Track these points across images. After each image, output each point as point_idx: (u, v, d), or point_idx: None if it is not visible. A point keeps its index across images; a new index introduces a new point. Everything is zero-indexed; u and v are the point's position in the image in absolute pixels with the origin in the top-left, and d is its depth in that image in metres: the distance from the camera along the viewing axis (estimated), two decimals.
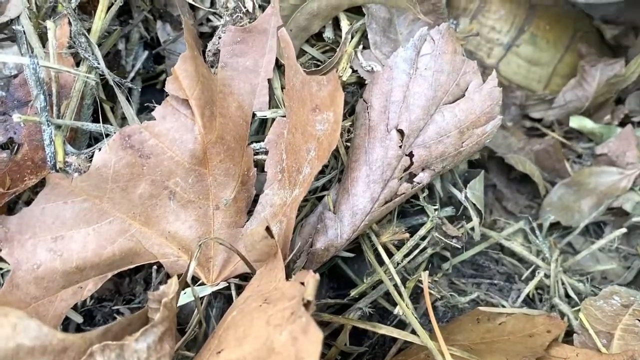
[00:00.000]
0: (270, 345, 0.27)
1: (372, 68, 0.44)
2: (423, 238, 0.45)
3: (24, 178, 0.38)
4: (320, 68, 0.44)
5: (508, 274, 0.54)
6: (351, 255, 0.44)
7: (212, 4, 0.49)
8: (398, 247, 0.44)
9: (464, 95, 0.41)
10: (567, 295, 0.52)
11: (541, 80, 0.62)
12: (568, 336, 0.47)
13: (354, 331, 0.44)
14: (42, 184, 0.39)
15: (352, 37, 0.46)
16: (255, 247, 0.38)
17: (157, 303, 0.31)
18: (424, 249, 0.45)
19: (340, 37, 0.48)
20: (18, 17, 0.40)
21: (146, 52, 0.48)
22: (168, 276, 0.42)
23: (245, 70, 0.43)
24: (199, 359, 0.34)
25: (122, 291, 0.46)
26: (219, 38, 0.42)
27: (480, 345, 0.40)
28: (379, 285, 0.43)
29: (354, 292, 0.43)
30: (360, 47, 0.46)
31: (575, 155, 0.64)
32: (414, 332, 0.39)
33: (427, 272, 0.42)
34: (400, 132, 0.41)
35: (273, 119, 0.44)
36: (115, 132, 0.40)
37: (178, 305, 0.38)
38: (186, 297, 0.40)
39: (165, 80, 0.50)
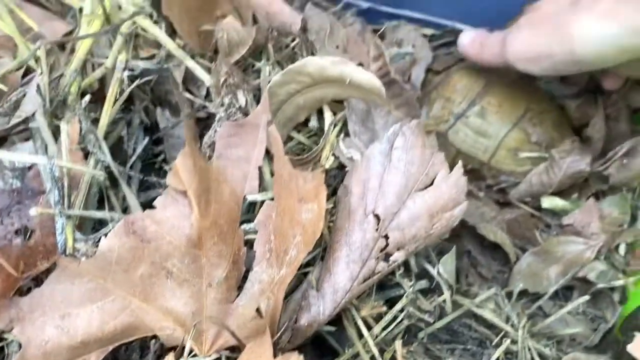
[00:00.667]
0: None
1: (352, 156, 0.49)
2: (401, 310, 0.49)
3: (37, 263, 0.42)
4: (306, 156, 0.49)
5: (480, 340, 0.57)
6: (333, 328, 0.47)
7: (208, 93, 0.55)
8: (377, 320, 0.48)
9: (432, 184, 0.46)
10: None
11: (487, 151, 0.67)
12: None
13: None
14: (52, 268, 0.43)
15: (334, 127, 0.51)
16: (245, 326, 0.42)
17: None
18: (401, 320, 0.49)
19: (324, 123, 0.53)
20: (34, 114, 0.45)
21: (147, 139, 0.53)
22: (163, 345, 0.46)
23: (238, 160, 0.48)
24: None
25: (119, 358, 0.49)
26: (215, 131, 0.47)
27: None
28: (359, 357, 0.47)
29: None
30: (342, 135, 0.51)
31: (544, 224, 0.69)
32: None
33: (400, 341, 0.46)
34: (377, 217, 0.45)
35: (263, 201, 0.48)
36: (118, 218, 0.44)
37: None
38: None
39: (163, 159, 0.56)
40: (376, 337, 0.47)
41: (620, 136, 0.67)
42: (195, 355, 0.45)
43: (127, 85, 0.49)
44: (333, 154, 0.50)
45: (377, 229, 0.45)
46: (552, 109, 0.69)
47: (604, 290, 0.64)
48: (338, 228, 0.46)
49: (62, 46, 0.55)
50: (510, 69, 0.61)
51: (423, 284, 0.52)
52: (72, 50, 0.52)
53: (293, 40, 0.58)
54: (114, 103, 0.48)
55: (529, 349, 0.56)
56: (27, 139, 0.50)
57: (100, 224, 0.48)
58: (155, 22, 0.56)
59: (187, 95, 0.53)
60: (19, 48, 0.56)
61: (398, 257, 0.46)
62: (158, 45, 0.52)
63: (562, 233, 0.66)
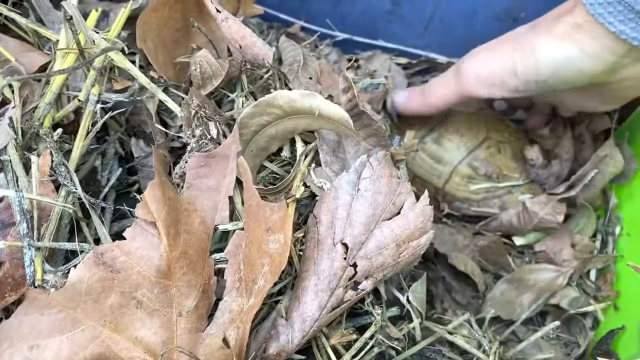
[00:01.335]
0: None
1: (322, 185, 0.50)
2: (370, 337, 0.50)
3: (5, 295, 0.42)
4: (277, 186, 0.50)
5: None
6: (303, 357, 0.48)
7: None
8: (346, 348, 0.49)
9: (399, 213, 0.47)
10: None
11: (441, 177, 0.69)
12: None
13: None
14: (21, 299, 0.43)
15: (305, 157, 0.52)
16: (213, 356, 0.42)
17: None
18: (371, 348, 0.50)
19: (296, 153, 0.54)
20: (5, 147, 0.45)
21: (120, 169, 0.53)
22: None
23: (208, 190, 0.48)
24: None
25: None
26: (186, 162, 0.48)
27: None
28: None
29: None
30: (313, 165, 0.52)
31: (517, 250, 0.70)
32: None
33: None
34: (345, 246, 0.46)
35: (234, 231, 0.49)
36: (89, 249, 0.45)
37: None
38: None
39: (138, 189, 0.56)
40: None
41: (584, 159, 0.69)
42: None
43: (100, 117, 0.50)
44: (304, 184, 0.51)
45: (345, 258, 0.46)
46: (514, 138, 0.71)
47: (576, 315, 0.65)
48: (307, 257, 0.47)
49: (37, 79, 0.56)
50: (468, 101, 0.63)
51: (394, 311, 0.52)
52: (47, 82, 0.53)
53: (267, 71, 0.59)
54: (87, 135, 0.49)
55: None
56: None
57: (72, 254, 0.48)
58: (132, 54, 0.57)
59: (162, 126, 0.54)
60: None
61: (366, 285, 0.47)
62: (133, 77, 0.52)
63: (535, 259, 0.67)
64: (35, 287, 0.43)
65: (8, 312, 0.45)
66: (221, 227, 0.48)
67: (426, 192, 0.47)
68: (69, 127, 0.52)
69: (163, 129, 0.53)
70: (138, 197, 0.52)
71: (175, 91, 0.55)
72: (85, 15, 0.54)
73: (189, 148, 0.49)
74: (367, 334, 0.49)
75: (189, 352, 0.42)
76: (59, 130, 0.48)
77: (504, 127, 0.71)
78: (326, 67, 0.63)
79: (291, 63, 0.59)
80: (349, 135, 0.51)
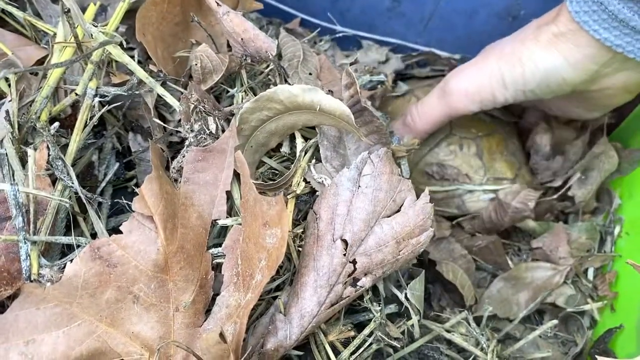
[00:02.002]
0: None
1: (323, 181, 0.49)
2: (369, 335, 0.50)
3: (0, 289, 0.42)
4: (277, 182, 0.49)
5: None
6: (300, 353, 0.47)
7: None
8: (345, 345, 0.48)
9: (399, 210, 0.47)
10: None
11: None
12: None
13: None
14: (16, 294, 0.42)
15: (305, 153, 0.52)
16: (209, 351, 0.42)
17: None
18: (370, 345, 0.49)
19: (295, 149, 0.53)
20: (1, 141, 0.45)
21: (117, 164, 0.53)
22: None
23: (205, 184, 0.48)
24: None
25: None
26: (183, 157, 0.48)
27: None
28: None
29: None
30: (313, 161, 0.52)
31: (515, 248, 0.70)
32: None
33: None
34: (345, 242, 0.46)
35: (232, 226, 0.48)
36: (85, 243, 0.44)
37: None
38: None
39: (135, 184, 0.56)
40: None
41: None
42: None
43: (97, 111, 0.50)
44: (304, 179, 0.50)
45: (344, 254, 0.46)
46: (483, 133, 0.71)
47: (574, 314, 0.65)
48: (306, 253, 0.47)
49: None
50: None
51: (392, 308, 0.52)
52: (45, 76, 0.53)
53: (267, 67, 0.59)
54: (84, 129, 0.49)
55: None
56: None
57: (68, 248, 0.48)
58: (130, 49, 0.56)
59: (160, 120, 0.53)
60: None
61: (365, 282, 0.46)
62: (131, 71, 0.52)
63: (532, 255, 0.67)
64: (31, 282, 0.42)
65: (3, 306, 0.44)
66: (220, 222, 0.48)
67: (427, 190, 0.47)
68: (66, 121, 0.52)
69: (161, 123, 0.53)
70: (137, 190, 0.52)
71: (173, 85, 0.55)
72: (84, 9, 0.54)
73: (187, 142, 0.49)
74: (366, 331, 0.48)
75: (186, 347, 0.42)
76: (56, 124, 0.47)
77: (472, 122, 0.71)
78: (326, 63, 0.62)
79: (291, 58, 0.59)
80: (350, 131, 0.51)
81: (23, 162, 0.45)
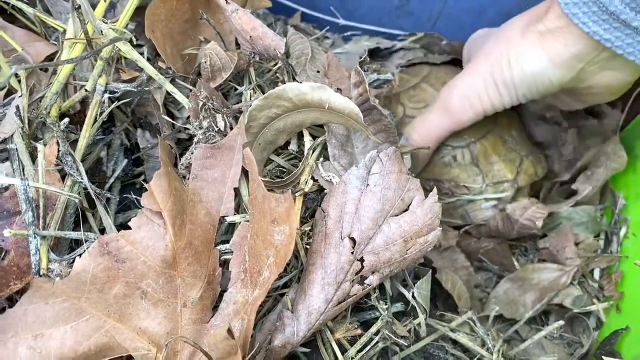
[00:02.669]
0: None
1: (331, 179, 0.49)
2: (376, 333, 0.50)
3: (10, 283, 0.42)
4: (285, 179, 0.50)
5: None
6: (307, 350, 0.48)
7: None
8: (351, 342, 0.48)
9: (408, 209, 0.47)
10: None
11: None
12: None
13: None
14: (25, 288, 0.43)
15: (313, 151, 0.52)
16: (217, 347, 0.42)
17: None
18: (376, 343, 0.49)
19: (303, 147, 0.54)
20: (12, 136, 0.45)
21: (126, 160, 0.53)
22: None
23: (213, 181, 0.48)
24: None
25: None
26: (191, 153, 0.48)
27: None
28: None
29: None
30: (321, 159, 0.52)
31: (522, 249, 0.70)
32: None
33: None
34: (353, 240, 0.46)
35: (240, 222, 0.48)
36: (94, 238, 0.45)
37: None
38: None
39: (144, 179, 0.56)
40: (351, 358, 0.47)
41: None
42: None
43: (107, 107, 0.50)
44: (312, 177, 0.50)
45: (352, 252, 0.46)
46: (476, 138, 0.70)
47: (579, 315, 0.65)
48: (314, 250, 0.47)
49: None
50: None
51: (399, 306, 0.52)
52: (54, 72, 0.53)
53: (275, 65, 0.59)
54: (93, 125, 0.49)
55: None
56: (4, 160, 0.50)
57: (77, 244, 0.48)
58: (139, 46, 0.56)
59: (168, 117, 0.53)
60: (1, 69, 0.56)
61: (372, 280, 0.46)
62: (140, 67, 0.52)
63: (539, 255, 0.67)
64: (40, 276, 0.43)
65: (11, 300, 0.45)
66: (228, 219, 0.48)
67: (435, 189, 0.47)
68: (75, 117, 0.52)
69: (170, 120, 0.53)
70: (145, 186, 0.52)
71: (182, 83, 0.55)
72: (93, 6, 0.54)
73: (195, 139, 0.49)
74: (373, 329, 0.49)
75: (193, 343, 0.42)
76: (66, 119, 0.47)
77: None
78: (333, 61, 0.62)
79: (299, 56, 0.59)
80: (358, 130, 0.51)
81: (32, 157, 0.45)
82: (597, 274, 0.66)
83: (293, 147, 0.54)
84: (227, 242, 0.48)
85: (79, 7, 0.47)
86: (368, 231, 0.46)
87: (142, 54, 0.52)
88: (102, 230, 0.49)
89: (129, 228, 0.44)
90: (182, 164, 0.48)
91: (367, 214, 0.46)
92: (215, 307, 0.47)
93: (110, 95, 0.50)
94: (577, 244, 0.66)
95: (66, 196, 0.44)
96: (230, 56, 0.54)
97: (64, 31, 0.56)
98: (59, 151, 0.45)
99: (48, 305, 0.43)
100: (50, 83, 0.51)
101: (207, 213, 0.47)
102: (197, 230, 0.46)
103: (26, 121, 0.46)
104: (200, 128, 0.49)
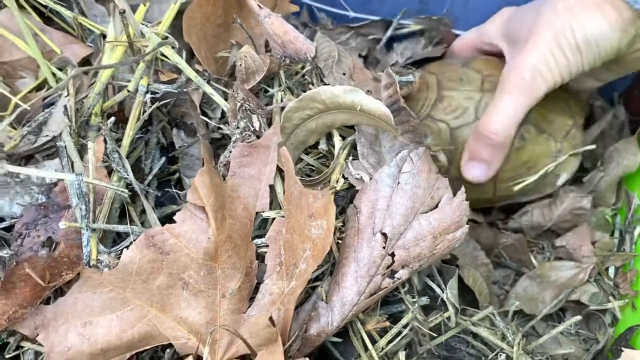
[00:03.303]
0: None
1: (361, 177, 0.52)
2: (405, 325, 0.52)
3: (62, 273, 0.44)
4: (317, 178, 0.52)
5: (477, 356, 0.60)
6: (339, 340, 0.50)
7: (222, 115, 0.58)
8: (380, 334, 0.51)
9: (437, 207, 0.49)
10: None
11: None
12: None
13: None
14: (74, 279, 0.45)
15: (343, 150, 0.54)
16: (258, 334, 0.44)
17: None
18: (404, 335, 0.52)
19: (332, 147, 0.56)
20: (60, 134, 0.48)
21: (163, 158, 0.55)
22: (176, 353, 0.48)
23: (250, 178, 0.50)
24: None
25: None
26: (230, 152, 0.50)
27: None
28: None
29: None
30: (350, 158, 0.54)
31: (540, 246, 0.72)
32: None
33: (404, 352, 0.49)
34: (384, 235, 0.48)
35: (274, 218, 0.51)
36: (138, 232, 0.47)
37: None
38: None
39: (178, 178, 0.58)
40: (382, 349, 0.50)
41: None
42: None
43: (148, 107, 0.52)
44: (342, 176, 0.53)
45: (384, 247, 0.48)
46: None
47: (596, 312, 0.67)
48: (347, 245, 0.49)
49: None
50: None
51: (424, 300, 0.54)
52: (95, 73, 0.55)
53: (302, 67, 0.61)
54: (135, 124, 0.51)
55: None
56: (49, 156, 0.52)
57: (119, 236, 0.50)
58: (172, 47, 0.59)
59: (203, 117, 0.56)
60: (41, 69, 0.59)
61: (402, 274, 0.49)
62: (177, 69, 0.55)
63: (556, 254, 0.69)
64: (90, 267, 0.45)
65: (57, 292, 0.47)
66: (264, 214, 0.50)
67: (463, 188, 0.49)
68: (115, 116, 0.55)
69: (206, 119, 0.55)
70: (186, 182, 0.54)
71: (216, 84, 0.57)
72: (133, 9, 0.57)
73: (233, 139, 0.51)
74: (403, 321, 0.51)
75: (234, 331, 0.44)
76: (112, 118, 0.50)
77: None
78: (358, 64, 0.65)
79: (326, 59, 0.61)
80: (387, 130, 0.53)
81: (81, 154, 0.48)
82: (612, 271, 0.68)
83: (323, 146, 0.56)
84: (261, 236, 0.50)
85: (124, 11, 0.50)
86: (399, 227, 0.48)
87: (181, 57, 0.55)
88: (143, 224, 0.51)
89: (167, 223, 0.47)
90: (221, 162, 0.51)
91: (398, 210, 0.48)
92: (251, 299, 0.49)
93: (151, 95, 0.52)
94: (593, 243, 0.68)
95: (113, 191, 0.47)
96: (263, 59, 0.57)
97: (102, 34, 0.59)
98: (106, 148, 0.48)
99: (96, 294, 0.45)
100: (92, 84, 0.54)
101: (245, 208, 0.49)
102: (236, 224, 0.48)
103: (74, 120, 0.49)
104: (238, 128, 0.51)
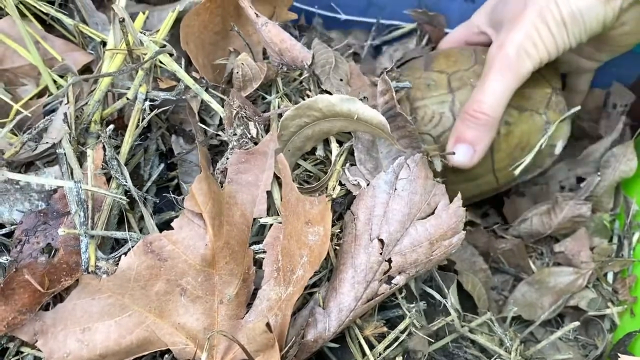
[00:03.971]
0: None
1: (358, 183, 0.52)
2: (403, 331, 0.52)
3: (60, 279, 0.45)
4: (314, 185, 0.52)
5: None
6: (336, 345, 0.50)
7: (221, 122, 0.58)
8: (378, 339, 0.51)
9: (433, 213, 0.49)
10: None
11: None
12: None
13: None
14: (73, 285, 0.45)
15: (340, 157, 0.54)
16: (255, 340, 0.44)
17: None
18: (402, 340, 0.52)
19: (329, 152, 0.56)
20: (60, 141, 0.48)
21: (162, 164, 0.56)
22: (172, 359, 0.48)
23: (247, 184, 0.51)
24: None
25: None
26: (227, 159, 0.50)
27: None
28: None
29: None
30: (347, 164, 0.54)
31: (538, 252, 0.72)
32: None
33: (402, 357, 0.49)
34: (381, 242, 0.48)
35: (271, 224, 0.51)
36: (136, 238, 0.47)
37: None
38: None
39: (176, 184, 0.58)
40: (379, 354, 0.50)
41: None
42: None
43: (147, 114, 0.53)
44: (339, 183, 0.53)
45: (381, 253, 0.48)
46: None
47: (594, 318, 0.67)
48: (344, 251, 0.49)
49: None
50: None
51: (421, 305, 0.54)
52: (95, 81, 0.56)
53: (300, 74, 0.61)
54: (134, 131, 0.52)
55: None
56: (49, 163, 0.53)
57: (117, 243, 0.50)
58: (170, 55, 0.59)
59: (201, 124, 0.56)
60: (42, 76, 0.59)
61: (399, 280, 0.49)
62: (176, 77, 0.55)
63: (554, 259, 0.69)
64: (89, 273, 0.45)
65: (56, 298, 0.47)
66: (262, 221, 0.50)
67: (459, 195, 0.49)
68: (114, 123, 0.55)
69: (204, 127, 0.55)
70: (184, 188, 0.55)
71: (213, 92, 0.58)
72: (133, 18, 0.57)
73: (230, 145, 0.52)
74: (401, 327, 0.51)
75: (232, 337, 0.45)
76: (111, 126, 0.50)
77: None
78: (355, 70, 0.65)
79: (323, 65, 0.62)
80: (383, 137, 0.53)
81: (80, 161, 0.48)
82: (610, 277, 0.68)
83: (320, 152, 0.56)
84: (258, 242, 0.50)
85: (123, 19, 0.50)
86: (396, 233, 0.48)
87: (180, 64, 0.55)
88: (141, 230, 0.52)
89: (165, 229, 0.47)
90: (217, 169, 0.51)
91: (395, 217, 0.48)
92: (249, 305, 0.49)
93: (150, 103, 0.53)
94: (591, 249, 0.68)
95: (112, 198, 0.47)
96: (260, 67, 0.57)
97: (102, 42, 0.59)
98: (105, 155, 0.48)
99: (94, 300, 0.45)
100: (92, 91, 0.54)
101: (242, 214, 0.50)
102: (234, 230, 0.48)
103: (73, 127, 0.49)
104: (234, 135, 0.51)
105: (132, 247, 0.46)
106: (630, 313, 0.65)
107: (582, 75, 0.74)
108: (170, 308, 0.47)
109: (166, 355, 0.48)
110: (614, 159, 0.69)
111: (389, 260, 0.48)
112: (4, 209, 0.50)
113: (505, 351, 0.59)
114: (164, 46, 0.53)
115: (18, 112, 0.56)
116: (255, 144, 0.53)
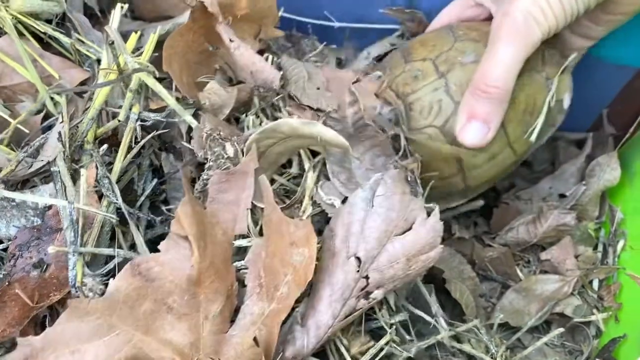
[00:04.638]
0: None
1: (333, 202, 0.53)
2: (386, 343, 0.54)
3: (50, 294, 0.47)
4: (286, 205, 0.54)
5: None
6: None
7: None
8: (361, 353, 0.53)
9: (411, 228, 0.50)
10: None
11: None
12: None
13: None
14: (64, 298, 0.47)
15: (314, 169, 0.56)
16: (243, 355, 0.46)
17: None
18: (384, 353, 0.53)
19: (304, 166, 0.58)
20: (54, 160, 0.50)
21: (155, 180, 0.58)
22: None
23: (228, 203, 0.53)
24: None
25: None
26: (204, 180, 0.52)
27: None
28: None
29: None
30: (321, 181, 0.56)
31: (525, 260, 0.73)
32: None
33: None
34: (358, 259, 0.50)
35: None
36: (123, 255, 0.50)
37: None
38: None
39: (165, 199, 0.60)
40: None
41: None
42: None
43: (139, 134, 0.55)
44: (313, 201, 0.54)
45: (358, 270, 0.49)
46: None
47: (580, 324, 0.68)
48: (322, 268, 0.51)
49: (79, 94, 0.61)
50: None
51: (402, 315, 0.56)
52: (90, 98, 0.58)
53: (276, 94, 0.62)
54: (128, 150, 0.54)
55: None
56: (46, 179, 0.55)
57: (110, 258, 0.53)
58: (163, 78, 0.61)
59: (187, 144, 0.58)
60: (39, 94, 0.61)
61: (377, 294, 0.50)
62: None
63: (541, 267, 0.70)
64: (76, 291, 0.47)
65: (51, 309, 0.50)
66: (236, 243, 0.52)
67: (437, 209, 0.50)
68: (108, 141, 0.57)
69: (190, 146, 0.57)
70: (163, 208, 0.57)
71: (200, 112, 0.59)
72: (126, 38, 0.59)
73: (206, 166, 0.53)
74: (382, 341, 0.52)
75: (216, 353, 0.47)
76: (105, 146, 0.52)
77: None
78: (332, 73, 0.66)
79: (297, 80, 0.63)
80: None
81: (73, 179, 0.50)
82: (595, 284, 0.69)
83: (294, 169, 0.58)
84: (241, 260, 0.52)
85: (112, 42, 0.52)
86: (373, 251, 0.50)
87: (169, 84, 0.57)
88: (132, 246, 0.54)
89: (157, 243, 0.49)
90: (196, 189, 0.53)
91: (372, 234, 0.50)
92: (232, 320, 0.51)
93: (142, 123, 0.55)
94: (577, 257, 0.69)
95: (104, 216, 0.49)
96: (230, 92, 0.59)
97: (98, 60, 0.61)
98: (97, 174, 0.50)
99: (83, 322, 0.47)
100: (86, 109, 0.56)
101: (224, 233, 0.52)
102: (217, 249, 0.50)
103: (67, 145, 0.51)
104: (206, 158, 0.53)
105: (118, 263, 0.48)
106: (615, 319, 0.66)
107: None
108: (157, 325, 0.49)
109: None
110: (599, 168, 0.70)
111: (367, 277, 0.50)
112: (1, 224, 0.52)
113: (492, 358, 0.61)
114: (147, 67, 0.55)
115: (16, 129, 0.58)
116: (235, 163, 0.54)
